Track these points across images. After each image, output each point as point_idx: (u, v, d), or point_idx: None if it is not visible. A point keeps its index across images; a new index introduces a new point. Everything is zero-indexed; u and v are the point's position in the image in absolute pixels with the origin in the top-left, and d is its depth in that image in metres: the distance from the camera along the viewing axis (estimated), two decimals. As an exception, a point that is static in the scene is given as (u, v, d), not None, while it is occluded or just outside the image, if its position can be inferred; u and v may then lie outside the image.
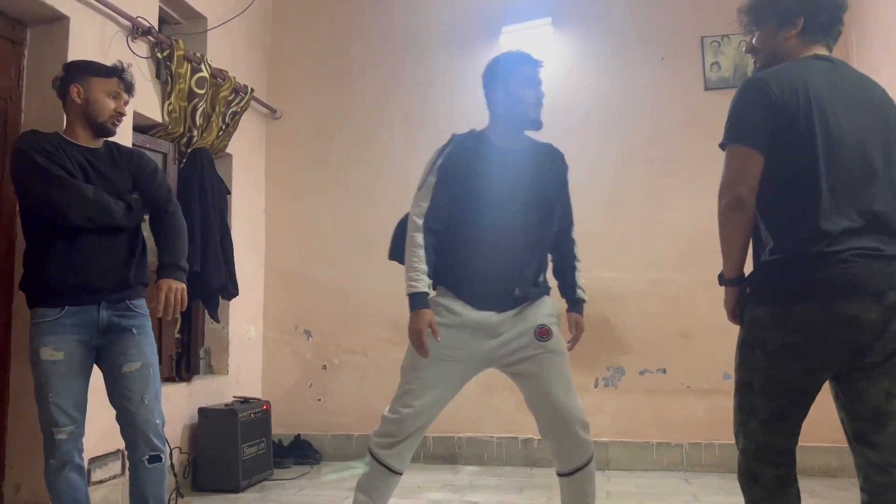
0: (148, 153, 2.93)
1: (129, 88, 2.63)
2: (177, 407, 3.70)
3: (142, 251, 2.59)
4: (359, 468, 4.34)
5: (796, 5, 1.91)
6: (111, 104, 2.55)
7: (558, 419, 2.34)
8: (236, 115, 4.15)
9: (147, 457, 2.46)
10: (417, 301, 2.30)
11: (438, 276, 2.39)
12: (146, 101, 3.50)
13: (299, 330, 4.69)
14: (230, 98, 4.05)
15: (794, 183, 1.79)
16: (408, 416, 2.33)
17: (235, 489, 3.73)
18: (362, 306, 4.59)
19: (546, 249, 2.50)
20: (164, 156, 3.75)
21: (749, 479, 1.86)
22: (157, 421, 2.50)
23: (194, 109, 3.79)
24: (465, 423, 4.34)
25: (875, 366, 1.74)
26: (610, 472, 4.12)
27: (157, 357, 2.59)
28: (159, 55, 3.60)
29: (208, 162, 3.92)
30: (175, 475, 3.45)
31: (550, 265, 2.58)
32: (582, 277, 2.57)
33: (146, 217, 2.63)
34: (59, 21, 3.00)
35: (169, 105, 3.66)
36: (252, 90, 4.24)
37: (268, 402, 4.15)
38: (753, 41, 2.02)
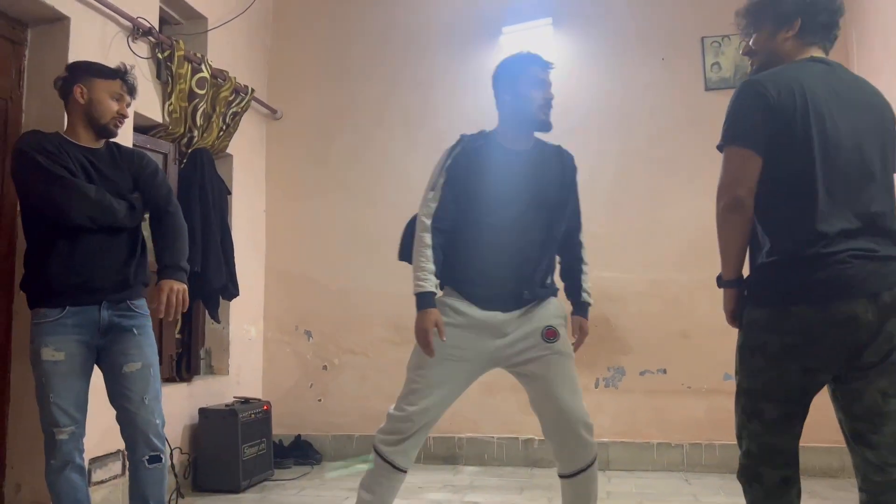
0: (148, 153, 2.93)
1: (131, 91, 2.64)
2: (177, 407, 3.70)
3: (142, 251, 2.59)
4: (362, 465, 4.37)
5: (794, 7, 1.92)
6: (114, 106, 2.55)
7: (563, 420, 2.34)
8: (237, 116, 4.15)
9: (147, 457, 2.46)
10: (424, 300, 2.31)
11: (445, 276, 2.40)
12: (147, 101, 3.50)
13: (300, 330, 4.69)
14: (231, 98, 4.05)
15: (790, 185, 1.80)
16: (413, 413, 2.34)
17: (236, 489, 3.73)
18: (363, 307, 4.59)
19: (553, 251, 2.49)
20: (165, 156, 3.75)
21: (751, 480, 1.86)
22: (157, 421, 2.50)
23: (195, 110, 3.79)
24: (466, 424, 4.34)
25: (872, 366, 1.75)
26: (610, 472, 4.12)
27: (158, 357, 2.59)
28: (160, 56, 3.60)
29: (209, 162, 3.92)
30: (175, 475, 3.45)
31: (558, 267, 2.58)
32: (588, 281, 2.56)
33: (146, 217, 2.63)
34: (59, 21, 3.00)
35: (169, 105, 3.66)
36: (252, 90, 4.24)
37: (268, 403, 4.15)
38: (751, 43, 2.03)
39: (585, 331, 2.56)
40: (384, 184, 4.64)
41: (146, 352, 2.52)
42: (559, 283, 2.55)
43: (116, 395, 2.48)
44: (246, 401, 4.07)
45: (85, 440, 2.47)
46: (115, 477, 3.13)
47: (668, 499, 3.61)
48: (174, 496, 3.41)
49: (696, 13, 4.36)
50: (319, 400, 4.62)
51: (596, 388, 4.28)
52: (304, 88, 4.82)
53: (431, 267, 2.32)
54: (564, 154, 2.54)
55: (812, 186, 1.77)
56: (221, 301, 4.02)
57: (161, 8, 3.77)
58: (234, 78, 4.05)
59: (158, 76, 3.64)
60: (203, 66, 3.82)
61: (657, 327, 4.26)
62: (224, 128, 4.06)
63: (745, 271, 1.91)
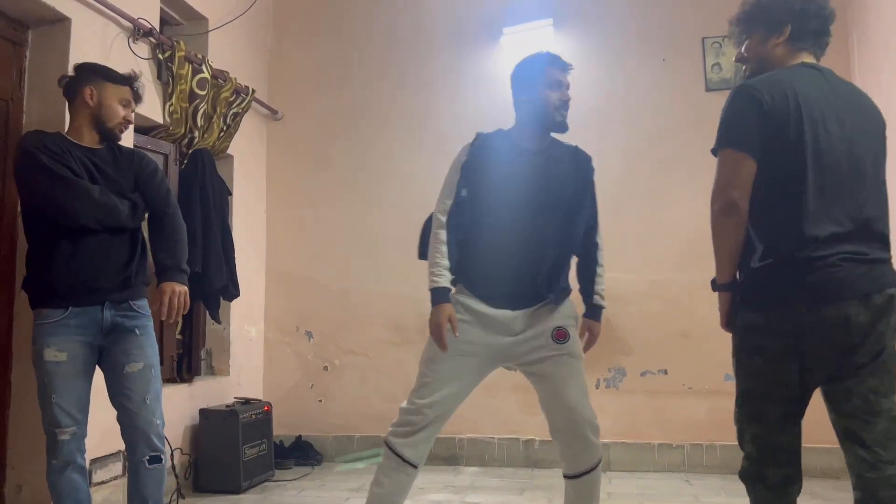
0: (149, 154, 2.94)
1: (138, 98, 2.66)
2: (178, 408, 3.70)
3: (142, 251, 2.59)
4: (369, 459, 4.38)
5: (784, 13, 1.95)
6: (121, 111, 2.57)
7: (570, 421, 2.36)
8: (237, 116, 4.15)
9: (147, 457, 2.47)
10: (439, 296, 2.35)
11: (457, 274, 2.42)
12: (147, 102, 3.49)
13: (300, 331, 4.69)
14: (231, 99, 4.05)
15: (783, 189, 1.82)
16: (422, 406, 2.37)
17: (236, 490, 3.73)
18: (363, 307, 4.59)
19: (569, 251, 2.49)
20: (166, 157, 3.76)
21: (755, 480, 1.88)
22: (158, 421, 2.51)
23: (195, 110, 3.79)
24: (467, 424, 4.34)
25: (863, 366, 1.78)
26: (611, 473, 4.12)
27: (159, 358, 2.60)
28: (160, 56, 3.61)
29: (209, 163, 3.92)
30: (176, 476, 3.45)
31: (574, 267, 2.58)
32: (603, 283, 2.55)
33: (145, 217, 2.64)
34: (60, 22, 3.00)
35: (170, 106, 3.66)
36: (253, 91, 4.24)
37: (269, 403, 4.15)
38: (743, 50, 2.07)
39: (595, 334, 2.55)
40: (384, 184, 4.65)
41: (147, 352, 2.52)
42: (574, 284, 2.54)
43: (117, 395, 2.48)
44: (247, 401, 4.07)
45: (86, 441, 2.47)
46: (115, 478, 3.13)
47: (669, 499, 3.61)
48: (175, 497, 3.41)
49: (696, 14, 4.36)
50: (320, 400, 4.62)
51: (597, 388, 4.27)
52: (305, 89, 4.82)
53: (446, 263, 2.36)
54: (581, 155, 2.54)
55: (804, 190, 1.79)
56: (222, 302, 4.02)
57: (162, 9, 3.78)
58: (235, 78, 4.05)
59: (159, 77, 3.64)
60: (204, 67, 3.82)
61: (658, 328, 4.26)
62: (225, 128, 4.07)
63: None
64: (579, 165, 2.51)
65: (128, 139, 3.19)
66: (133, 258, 2.53)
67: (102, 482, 3.06)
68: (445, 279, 2.35)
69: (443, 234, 2.38)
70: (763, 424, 1.86)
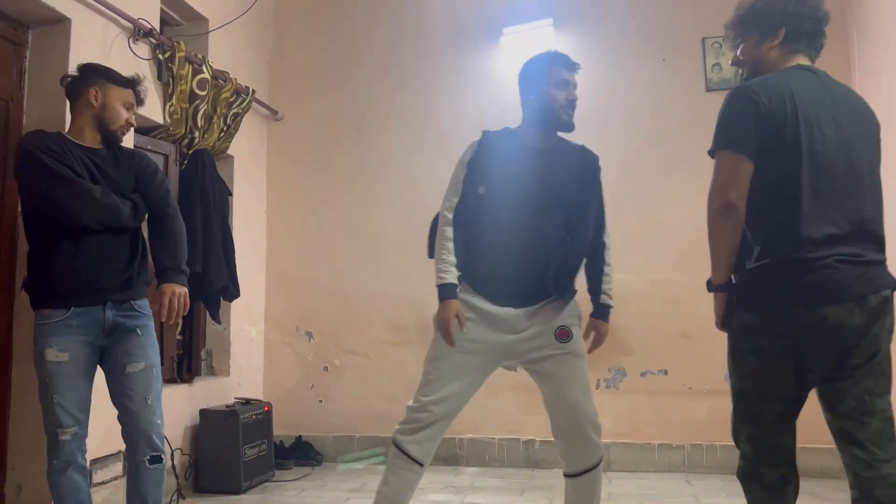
0: (149, 154, 2.93)
1: (140, 101, 2.67)
2: (178, 408, 3.70)
3: (143, 251, 2.59)
4: (368, 459, 4.39)
5: (778, 17, 1.97)
6: (124, 114, 2.57)
7: (572, 419, 2.38)
8: (238, 117, 4.15)
9: (148, 457, 2.47)
10: (446, 292, 2.36)
11: (462, 271, 2.43)
12: (148, 102, 3.47)
13: (300, 331, 4.69)
14: (231, 99, 4.05)
15: (779, 190, 1.84)
16: (427, 403, 2.38)
17: (237, 490, 3.73)
18: (363, 307, 4.59)
19: (575, 251, 2.48)
20: (166, 157, 3.76)
21: (752, 480, 1.89)
22: (159, 421, 2.51)
23: (196, 111, 3.79)
24: (467, 424, 4.33)
25: (858, 367, 1.80)
26: (611, 473, 4.12)
27: (160, 357, 2.60)
28: (161, 57, 3.61)
29: (210, 163, 3.92)
30: (176, 476, 3.45)
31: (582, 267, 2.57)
32: (610, 282, 2.55)
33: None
34: (60, 23, 3.00)
35: (170, 106, 3.66)
36: (253, 91, 4.24)
37: (269, 404, 4.15)
38: (738, 53, 2.08)
39: (602, 333, 2.56)
40: (385, 184, 4.65)
41: (149, 352, 2.52)
42: (581, 284, 2.54)
43: (119, 394, 2.48)
44: (247, 402, 4.07)
45: (86, 441, 2.47)
46: (115, 478, 3.13)
47: (669, 500, 3.61)
48: (175, 497, 3.41)
49: (696, 14, 4.36)
50: (320, 401, 4.62)
51: (597, 388, 4.27)
52: (305, 89, 4.82)
53: (453, 259, 2.38)
54: (587, 154, 2.55)
55: (800, 192, 1.81)
56: (222, 302, 4.02)
57: (162, 9, 3.78)
58: (235, 79, 4.05)
59: (159, 77, 3.64)
60: (204, 67, 3.82)
61: (658, 328, 4.25)
62: (225, 129, 4.07)
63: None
64: (584, 164, 2.52)
65: (128, 139, 3.18)
66: (134, 258, 2.53)
67: (103, 482, 3.06)
68: (452, 275, 2.37)
69: (449, 231, 2.40)
70: (759, 424, 1.87)
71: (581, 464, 2.39)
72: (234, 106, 4.10)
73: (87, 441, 2.48)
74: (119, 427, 2.51)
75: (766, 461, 1.86)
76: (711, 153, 1.92)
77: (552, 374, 2.40)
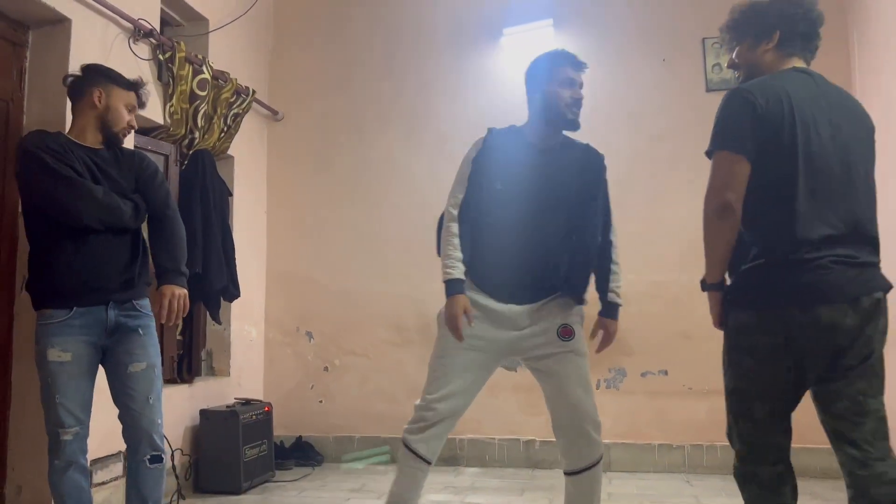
0: (150, 155, 2.94)
1: (142, 104, 2.68)
2: (178, 408, 3.70)
3: (143, 251, 2.59)
4: (367, 459, 4.38)
5: (772, 20, 1.99)
6: (127, 116, 2.58)
7: (573, 417, 2.39)
8: (238, 117, 4.15)
9: (149, 457, 2.47)
10: (453, 287, 2.37)
11: (466, 268, 2.44)
12: (148, 102, 3.49)
13: (301, 331, 4.69)
14: (232, 100, 4.05)
15: (776, 191, 1.85)
16: (433, 401, 2.40)
17: (237, 491, 3.73)
18: (364, 308, 4.59)
19: (581, 249, 2.47)
20: (166, 157, 3.76)
21: (747, 479, 1.91)
22: (159, 421, 2.52)
23: (196, 111, 3.79)
24: (467, 425, 4.33)
25: (852, 368, 1.81)
26: (612, 473, 4.12)
27: (161, 357, 2.61)
28: (161, 57, 3.61)
29: (210, 164, 3.92)
30: (177, 477, 3.45)
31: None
32: (619, 281, 2.55)
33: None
34: (60, 23, 3.00)
35: (170, 107, 3.66)
36: (253, 92, 4.24)
37: (269, 404, 4.15)
38: (734, 56, 2.10)
39: (611, 332, 2.54)
40: (385, 184, 4.65)
41: (150, 352, 2.53)
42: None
43: (121, 394, 2.49)
44: (247, 402, 4.07)
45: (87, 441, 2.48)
46: (116, 478, 3.13)
47: (670, 500, 3.61)
48: (175, 497, 3.41)
49: (697, 14, 4.36)
50: (320, 401, 4.62)
51: (597, 389, 4.27)
52: (305, 89, 4.82)
53: (459, 255, 2.39)
54: (592, 153, 2.56)
55: (797, 193, 1.82)
56: (222, 302, 4.02)
57: (162, 9, 3.78)
58: (235, 79, 4.05)
59: (159, 78, 3.65)
60: (204, 68, 3.82)
61: (658, 328, 4.25)
62: (225, 129, 4.07)
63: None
64: (588, 163, 2.53)
65: (128, 140, 3.19)
66: (136, 258, 2.54)
67: (103, 483, 3.06)
68: (459, 270, 2.38)
69: (455, 227, 2.42)
70: (751, 422, 1.89)
71: (581, 461, 2.40)
72: (235, 106, 4.10)
73: (88, 441, 2.48)
74: (119, 427, 2.51)
75: (761, 460, 1.88)
76: (709, 154, 1.95)
77: (553, 372, 2.41)
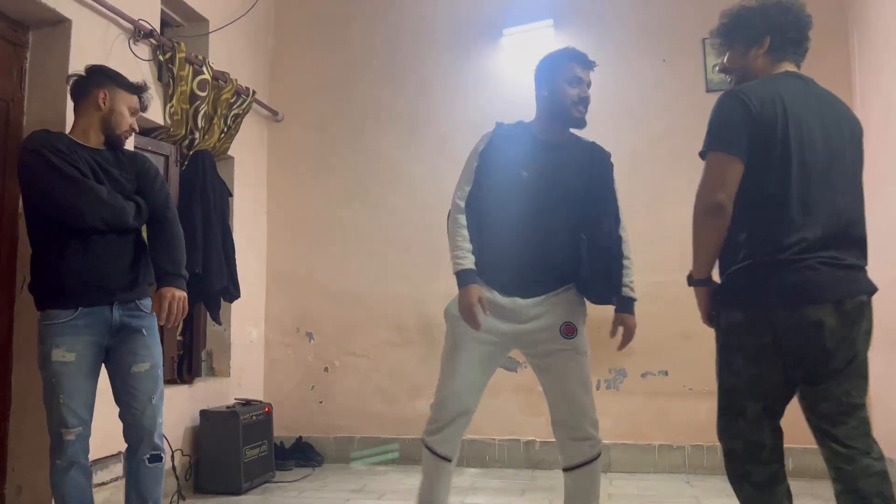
0: (150, 155, 2.94)
1: (144, 108, 2.69)
2: (178, 409, 3.70)
3: (145, 251, 2.60)
4: (367, 459, 4.39)
5: (762, 26, 2.01)
6: (129, 119, 2.58)
7: (571, 414, 2.42)
8: (238, 118, 4.15)
9: (148, 456, 2.48)
10: (465, 277, 2.39)
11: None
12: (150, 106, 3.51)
13: (301, 332, 4.69)
14: (232, 100, 4.05)
15: (767, 193, 1.87)
16: (444, 399, 2.43)
17: (237, 491, 3.73)
18: (364, 308, 4.59)
19: (589, 244, 2.46)
20: (166, 158, 3.76)
21: (741, 479, 1.93)
22: (160, 420, 2.53)
23: (196, 112, 3.79)
24: (467, 425, 4.34)
25: (837, 371, 1.83)
26: (612, 474, 4.12)
27: (162, 357, 2.61)
28: (161, 58, 3.61)
29: (210, 164, 3.92)
30: (177, 477, 3.45)
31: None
32: (632, 275, 2.54)
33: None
34: (61, 24, 3.00)
35: (171, 107, 3.67)
36: (254, 92, 4.24)
37: (269, 405, 4.15)
38: (725, 61, 2.12)
39: (630, 327, 2.52)
40: (385, 185, 4.65)
41: (153, 352, 2.54)
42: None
43: (123, 394, 2.49)
44: (247, 402, 4.07)
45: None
46: (116, 479, 3.13)
47: (670, 501, 3.61)
48: (175, 498, 3.41)
49: (697, 14, 4.35)
50: (321, 402, 4.62)
51: (597, 389, 4.27)
52: (306, 90, 4.82)
53: (468, 245, 2.40)
54: (598, 150, 2.58)
55: (787, 195, 1.84)
56: (223, 303, 4.02)
57: (162, 10, 3.78)
58: (236, 80, 4.06)
59: (160, 78, 3.65)
60: (204, 68, 3.82)
61: (658, 329, 4.24)
62: (225, 130, 4.07)
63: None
64: (594, 159, 2.54)
65: (129, 140, 3.19)
66: (139, 259, 2.55)
67: (103, 483, 3.06)
68: (469, 261, 2.39)
69: (462, 219, 2.43)
70: (743, 421, 1.91)
71: (579, 457, 2.43)
72: (235, 107, 4.10)
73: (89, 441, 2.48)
74: (119, 427, 2.51)
75: (753, 459, 1.90)
76: (702, 154, 1.97)
77: (554, 369, 2.44)
